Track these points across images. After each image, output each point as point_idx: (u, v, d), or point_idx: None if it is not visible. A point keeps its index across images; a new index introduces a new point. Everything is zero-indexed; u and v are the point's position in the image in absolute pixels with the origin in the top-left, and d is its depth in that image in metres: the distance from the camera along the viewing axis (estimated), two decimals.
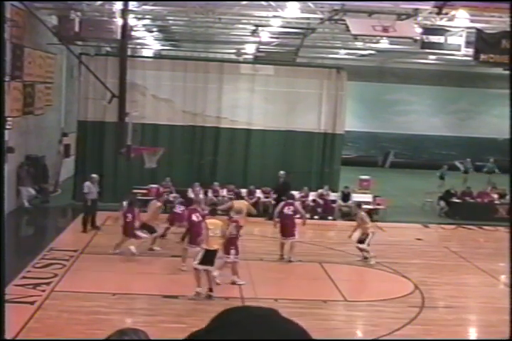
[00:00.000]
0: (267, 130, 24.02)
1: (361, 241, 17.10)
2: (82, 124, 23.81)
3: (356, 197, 23.70)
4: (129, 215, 16.38)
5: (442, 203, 24.84)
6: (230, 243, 14.15)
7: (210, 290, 13.39)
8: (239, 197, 19.85)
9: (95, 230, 19.17)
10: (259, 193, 23.32)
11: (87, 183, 19.35)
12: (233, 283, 14.33)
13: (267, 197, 23.27)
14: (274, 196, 22.65)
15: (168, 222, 18.16)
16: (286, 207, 17.00)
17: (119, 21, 19.32)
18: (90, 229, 19.14)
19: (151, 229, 16.70)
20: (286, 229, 16.73)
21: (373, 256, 16.97)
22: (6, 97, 17.50)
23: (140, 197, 20.39)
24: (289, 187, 21.84)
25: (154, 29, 29.47)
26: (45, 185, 23.41)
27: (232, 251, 14.23)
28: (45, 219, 22.85)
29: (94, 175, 19.71)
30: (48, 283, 13.82)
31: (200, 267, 13.33)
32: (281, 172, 22.80)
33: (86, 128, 23.67)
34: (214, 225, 13.59)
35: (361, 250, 17.11)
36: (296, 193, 23.21)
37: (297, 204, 17.81)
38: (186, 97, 23.98)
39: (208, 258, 13.36)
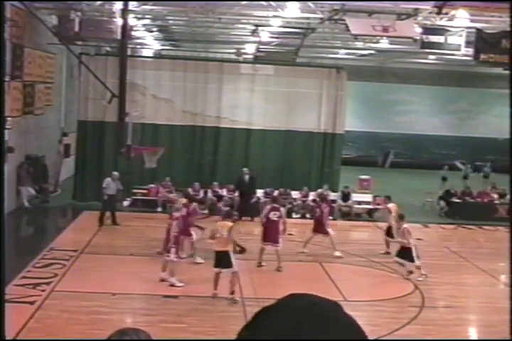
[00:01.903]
0: (267, 130, 24.02)
1: (403, 256, 15.77)
2: (82, 124, 23.80)
3: (356, 197, 23.73)
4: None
5: (442, 203, 24.84)
6: (173, 241, 14.19)
7: (232, 292, 13.32)
8: (189, 198, 18.47)
9: (115, 226, 19.74)
10: (260, 193, 23.31)
11: (107, 179, 20.02)
12: (162, 280, 14.24)
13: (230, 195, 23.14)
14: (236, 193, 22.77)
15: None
16: (272, 212, 16.37)
17: (119, 21, 19.33)
18: (110, 224, 19.69)
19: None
20: (270, 235, 16.18)
21: (423, 274, 15.73)
22: (6, 97, 17.48)
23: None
24: (255, 183, 22.14)
25: (154, 29, 29.46)
26: (45, 185, 23.41)
27: (173, 250, 14.10)
28: (45, 219, 22.85)
29: (115, 173, 20.23)
30: (48, 283, 13.82)
31: (215, 270, 13.31)
32: (245, 169, 22.80)
33: (86, 128, 23.67)
34: (222, 226, 13.52)
35: (400, 264, 16.10)
36: (296, 193, 23.34)
37: (283, 209, 17.26)
38: (186, 97, 23.97)
39: (221, 259, 13.33)
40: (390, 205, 18.48)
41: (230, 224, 13.72)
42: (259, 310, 1.41)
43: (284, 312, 1.39)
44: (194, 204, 16.92)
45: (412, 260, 15.43)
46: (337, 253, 17.45)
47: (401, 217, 16.61)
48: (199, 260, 15.81)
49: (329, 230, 17.65)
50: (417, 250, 15.65)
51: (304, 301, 1.43)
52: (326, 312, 1.40)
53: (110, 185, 19.88)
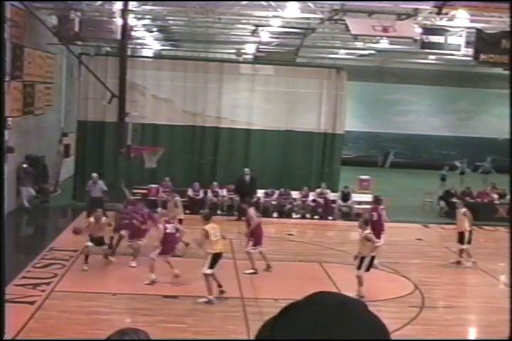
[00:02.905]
0: (267, 130, 24.02)
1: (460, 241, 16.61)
2: (82, 124, 23.81)
3: (356, 197, 23.72)
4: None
5: (442, 203, 24.84)
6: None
7: (220, 285, 13.41)
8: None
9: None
10: (260, 193, 23.31)
11: (90, 181, 20.33)
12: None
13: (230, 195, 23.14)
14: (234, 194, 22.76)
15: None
16: (256, 216, 16.04)
17: (119, 21, 19.33)
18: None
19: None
20: (257, 237, 15.68)
21: (472, 260, 16.53)
22: (6, 97, 17.49)
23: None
24: (256, 184, 22.13)
25: (154, 29, 29.46)
26: (45, 185, 23.40)
27: (157, 250, 14.31)
28: (45, 219, 22.85)
29: (94, 174, 20.39)
30: (48, 283, 13.82)
31: (210, 271, 13.26)
32: (246, 169, 22.78)
33: (86, 128, 23.67)
34: (214, 228, 13.50)
35: (461, 252, 16.61)
36: (296, 193, 23.34)
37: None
38: (186, 97, 23.98)
39: (217, 261, 13.33)
40: (463, 210, 17.52)
41: (217, 226, 13.69)
42: (286, 306, 1.45)
43: (311, 308, 1.41)
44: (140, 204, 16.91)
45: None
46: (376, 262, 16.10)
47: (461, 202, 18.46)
48: (133, 264, 15.58)
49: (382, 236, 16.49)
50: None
51: (331, 298, 1.45)
52: (352, 310, 1.41)
53: (90, 187, 20.11)
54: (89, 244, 15.11)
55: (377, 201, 17.96)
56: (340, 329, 1.36)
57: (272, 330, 1.42)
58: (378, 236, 16.00)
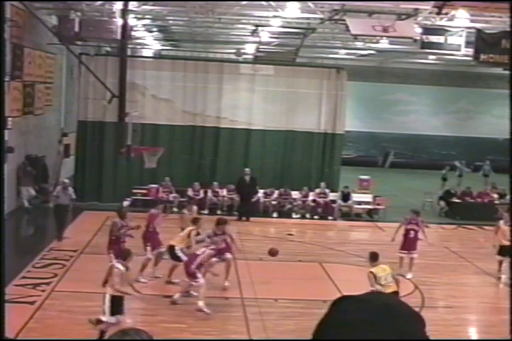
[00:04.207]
0: (267, 130, 24.03)
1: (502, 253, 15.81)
2: (82, 124, 23.82)
3: (356, 197, 23.73)
4: None
5: (442, 203, 24.84)
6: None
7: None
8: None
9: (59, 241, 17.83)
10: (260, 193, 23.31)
11: (58, 187, 18.79)
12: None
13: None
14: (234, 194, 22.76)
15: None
16: None
17: (119, 21, 19.32)
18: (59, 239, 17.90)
19: None
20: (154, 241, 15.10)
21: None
22: (6, 97, 17.49)
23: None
24: (256, 184, 22.17)
25: (154, 29, 29.45)
26: (45, 185, 23.39)
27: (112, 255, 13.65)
28: (45, 219, 22.83)
29: (65, 180, 19.16)
30: (48, 283, 13.83)
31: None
32: (247, 169, 22.78)
33: (86, 128, 23.69)
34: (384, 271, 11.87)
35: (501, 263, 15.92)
36: (296, 193, 23.34)
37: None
38: (186, 97, 23.98)
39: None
40: (501, 223, 16.92)
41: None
42: (337, 298, 1.55)
43: (361, 304, 1.51)
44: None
45: None
46: (409, 276, 15.69)
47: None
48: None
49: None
50: None
51: (380, 297, 1.59)
52: (399, 309, 1.55)
53: (59, 193, 18.09)
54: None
55: (415, 213, 16.63)
56: (387, 325, 1.46)
57: (325, 323, 1.51)
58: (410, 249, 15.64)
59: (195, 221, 14.52)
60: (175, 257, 14.00)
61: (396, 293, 11.16)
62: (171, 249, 14.10)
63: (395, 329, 1.45)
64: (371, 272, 11.53)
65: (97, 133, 23.44)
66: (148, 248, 14.84)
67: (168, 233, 18.62)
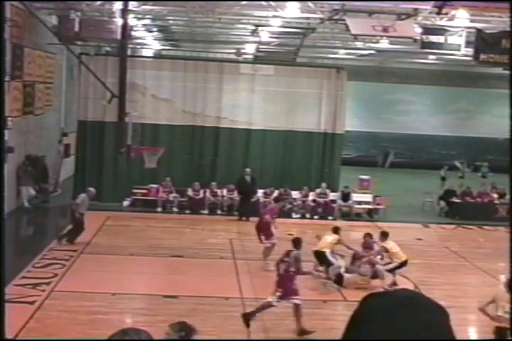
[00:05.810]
0: (267, 130, 24.03)
1: None
2: (82, 124, 23.81)
3: (356, 197, 23.73)
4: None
5: (442, 203, 24.84)
6: None
7: None
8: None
9: None
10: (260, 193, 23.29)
11: (82, 195, 18.05)
12: None
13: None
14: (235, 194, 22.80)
15: None
16: None
17: (119, 21, 19.31)
18: None
19: None
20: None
21: None
22: (6, 97, 17.48)
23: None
24: (256, 184, 22.20)
25: (154, 29, 29.46)
26: (45, 185, 23.39)
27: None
28: (45, 219, 22.85)
29: (90, 189, 18.45)
30: (48, 283, 13.82)
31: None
32: (247, 169, 22.80)
33: (86, 128, 23.68)
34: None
35: None
36: (296, 193, 23.34)
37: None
38: (186, 97, 23.98)
39: None
40: None
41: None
42: (366, 294, 1.62)
43: (388, 298, 1.59)
44: None
45: None
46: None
47: None
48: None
49: None
50: None
51: (405, 291, 1.64)
52: (424, 301, 1.60)
53: (82, 204, 17.54)
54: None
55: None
56: (413, 319, 1.52)
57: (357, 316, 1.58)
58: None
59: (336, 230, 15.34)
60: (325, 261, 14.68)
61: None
62: (320, 253, 14.75)
63: (419, 319, 1.51)
64: (383, 246, 14.18)
65: (97, 133, 23.43)
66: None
67: (171, 233, 18.68)
